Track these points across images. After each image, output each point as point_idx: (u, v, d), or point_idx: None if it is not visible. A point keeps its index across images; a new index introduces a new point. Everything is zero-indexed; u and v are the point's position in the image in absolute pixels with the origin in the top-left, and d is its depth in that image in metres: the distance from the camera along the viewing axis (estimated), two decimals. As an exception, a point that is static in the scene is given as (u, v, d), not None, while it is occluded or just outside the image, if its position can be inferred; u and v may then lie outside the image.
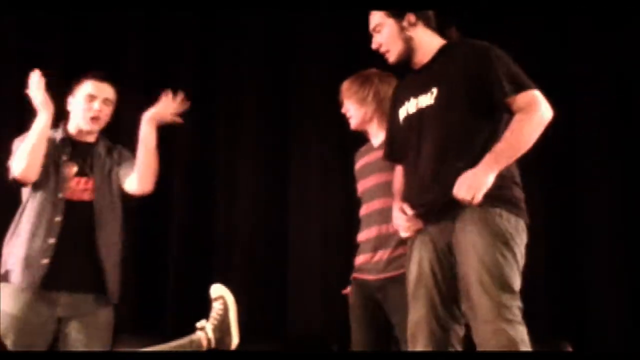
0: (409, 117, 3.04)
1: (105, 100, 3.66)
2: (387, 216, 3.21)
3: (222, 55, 5.00)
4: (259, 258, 4.76)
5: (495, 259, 2.75)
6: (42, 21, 4.93)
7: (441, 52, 3.04)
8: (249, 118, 4.92)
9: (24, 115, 4.51)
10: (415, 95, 3.02)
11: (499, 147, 2.82)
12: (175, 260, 4.79)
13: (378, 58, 4.78)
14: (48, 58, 4.74)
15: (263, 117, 4.94)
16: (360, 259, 3.37)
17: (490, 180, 2.77)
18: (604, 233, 4.68)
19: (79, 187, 3.60)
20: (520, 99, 2.87)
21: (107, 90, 3.67)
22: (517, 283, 2.79)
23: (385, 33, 3.08)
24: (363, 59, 4.79)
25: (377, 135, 3.41)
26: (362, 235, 3.38)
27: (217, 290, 3.31)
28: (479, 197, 2.75)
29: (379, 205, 3.31)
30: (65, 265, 3.47)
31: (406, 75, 3.14)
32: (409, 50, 3.05)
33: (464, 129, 2.88)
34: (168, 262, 4.79)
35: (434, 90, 2.96)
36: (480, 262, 2.75)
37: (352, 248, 4.65)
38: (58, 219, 3.51)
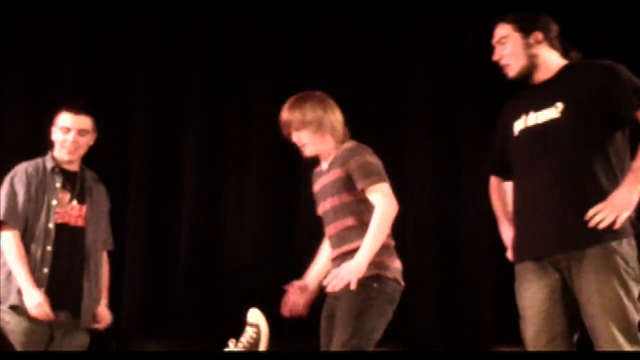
0: (528, 130, 3.11)
1: (80, 131, 3.84)
2: (342, 237, 3.33)
3: (230, 59, 4.97)
4: (266, 259, 4.74)
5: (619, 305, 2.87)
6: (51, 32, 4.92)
7: (564, 70, 3.13)
8: (257, 123, 4.89)
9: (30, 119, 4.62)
10: (536, 110, 3.10)
11: (637, 165, 2.91)
12: (185, 260, 4.78)
13: (384, 60, 4.84)
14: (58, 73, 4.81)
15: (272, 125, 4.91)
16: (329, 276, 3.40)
17: (635, 199, 2.87)
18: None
19: (74, 212, 3.81)
20: None
21: (82, 122, 3.84)
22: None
23: (509, 47, 3.15)
24: (372, 60, 4.86)
25: (328, 158, 3.45)
26: (332, 254, 3.44)
27: (254, 316, 3.35)
28: (622, 218, 2.85)
29: (341, 226, 3.37)
30: (62, 287, 3.73)
31: (521, 91, 3.23)
32: (530, 67, 3.14)
33: (593, 141, 2.98)
34: (177, 262, 4.79)
35: (559, 105, 3.04)
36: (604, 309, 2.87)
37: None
38: (49, 248, 3.71)
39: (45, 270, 3.69)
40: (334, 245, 3.39)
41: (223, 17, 4.95)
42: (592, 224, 2.86)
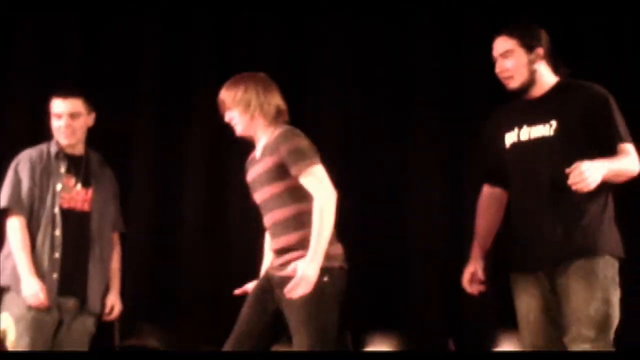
0: (520, 144, 3.25)
1: (73, 115, 3.80)
2: (282, 228, 3.27)
3: (237, 60, 4.98)
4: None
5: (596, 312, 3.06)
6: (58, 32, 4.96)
7: (558, 87, 3.27)
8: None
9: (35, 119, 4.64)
10: (529, 124, 3.24)
11: (614, 160, 3.08)
12: (190, 249, 4.85)
13: (391, 61, 4.84)
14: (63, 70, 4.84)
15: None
16: (273, 262, 3.38)
17: (600, 177, 2.98)
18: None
19: (79, 197, 3.82)
20: (626, 147, 3.15)
21: (73, 105, 3.81)
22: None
23: (513, 61, 3.26)
24: (376, 57, 4.88)
25: (260, 141, 3.41)
26: (273, 245, 3.37)
27: None
28: (590, 186, 2.96)
29: (280, 215, 3.30)
30: (70, 273, 3.75)
31: (512, 102, 3.36)
32: (530, 82, 3.27)
33: (580, 161, 3.06)
34: (183, 249, 4.85)
35: (553, 123, 3.18)
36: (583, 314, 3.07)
37: (368, 243, 4.67)
38: (57, 233, 3.73)
39: (57, 255, 3.71)
40: (273, 235, 3.34)
41: (230, 18, 5.01)
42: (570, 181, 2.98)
